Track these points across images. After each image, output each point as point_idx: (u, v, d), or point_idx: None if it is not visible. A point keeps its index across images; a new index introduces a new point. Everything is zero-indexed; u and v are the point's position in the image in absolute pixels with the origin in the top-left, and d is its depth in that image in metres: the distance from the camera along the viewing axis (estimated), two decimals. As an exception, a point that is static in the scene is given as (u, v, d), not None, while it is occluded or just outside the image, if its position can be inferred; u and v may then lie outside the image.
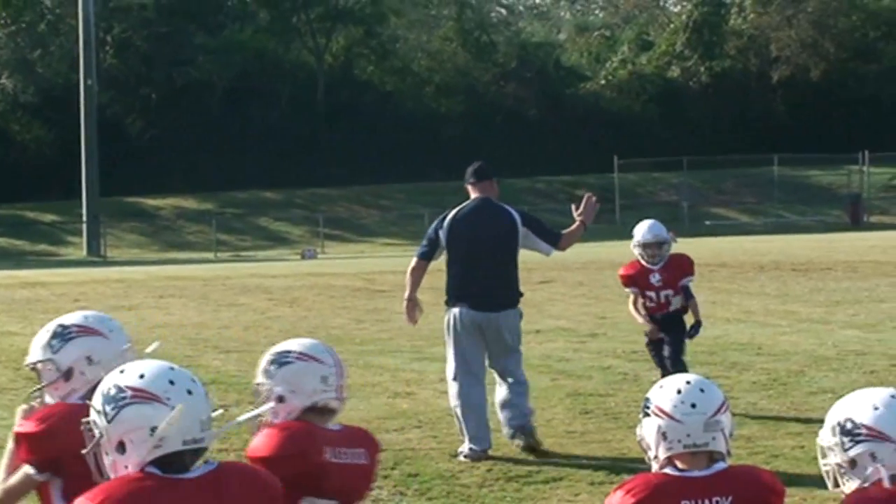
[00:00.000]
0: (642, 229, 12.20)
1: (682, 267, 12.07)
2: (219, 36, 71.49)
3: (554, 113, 72.42)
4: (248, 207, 63.81)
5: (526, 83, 74.29)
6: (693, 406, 4.25)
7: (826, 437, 4.19)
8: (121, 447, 3.89)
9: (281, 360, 5.08)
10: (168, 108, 67.99)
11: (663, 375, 11.03)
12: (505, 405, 10.32)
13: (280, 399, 5.05)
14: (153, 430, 3.85)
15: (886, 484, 4.07)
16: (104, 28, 67.66)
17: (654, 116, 73.23)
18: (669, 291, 11.90)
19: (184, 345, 17.74)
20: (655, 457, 4.28)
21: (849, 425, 4.12)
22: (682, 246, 45.94)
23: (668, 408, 4.25)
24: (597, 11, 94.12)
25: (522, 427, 10.22)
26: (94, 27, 56.38)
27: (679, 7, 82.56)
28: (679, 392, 4.27)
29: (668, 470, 4.25)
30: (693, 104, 73.55)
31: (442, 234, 10.46)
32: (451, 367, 10.45)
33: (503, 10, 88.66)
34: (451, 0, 78.34)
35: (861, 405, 4.14)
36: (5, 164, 64.71)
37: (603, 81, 76.34)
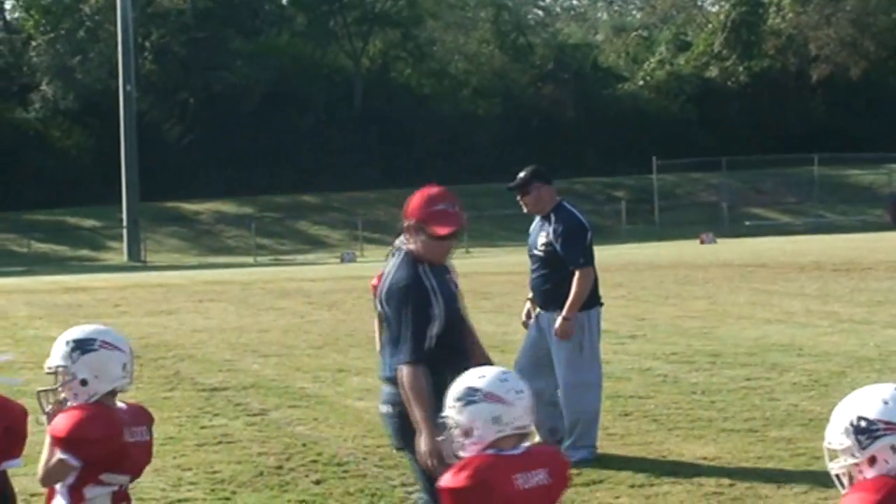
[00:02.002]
0: None
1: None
2: (256, 41, 71.75)
3: (591, 114, 72.30)
4: (287, 211, 63.98)
5: (563, 85, 74.19)
6: (519, 392, 4.72)
7: (838, 439, 4.19)
8: None
9: (85, 347, 5.24)
10: (206, 113, 68.26)
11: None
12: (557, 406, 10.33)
13: (83, 382, 5.23)
14: None
15: None
16: (143, 34, 68.01)
17: (693, 117, 73.00)
18: None
19: (223, 349, 17.78)
20: (480, 439, 4.67)
21: (863, 423, 4.13)
22: (722, 246, 45.89)
23: (500, 393, 4.69)
24: (634, 12, 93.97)
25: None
26: (132, 33, 56.66)
27: (717, 7, 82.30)
28: (504, 381, 4.74)
29: (488, 451, 4.67)
30: (731, 104, 73.26)
31: (590, 237, 10.31)
32: (594, 370, 10.24)
33: (540, 12, 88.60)
34: (488, 2, 78.33)
35: (870, 402, 4.16)
36: (46, 170, 65.15)
37: (641, 82, 76.16)
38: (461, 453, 4.72)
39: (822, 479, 9.13)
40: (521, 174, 10.24)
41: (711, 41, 76.92)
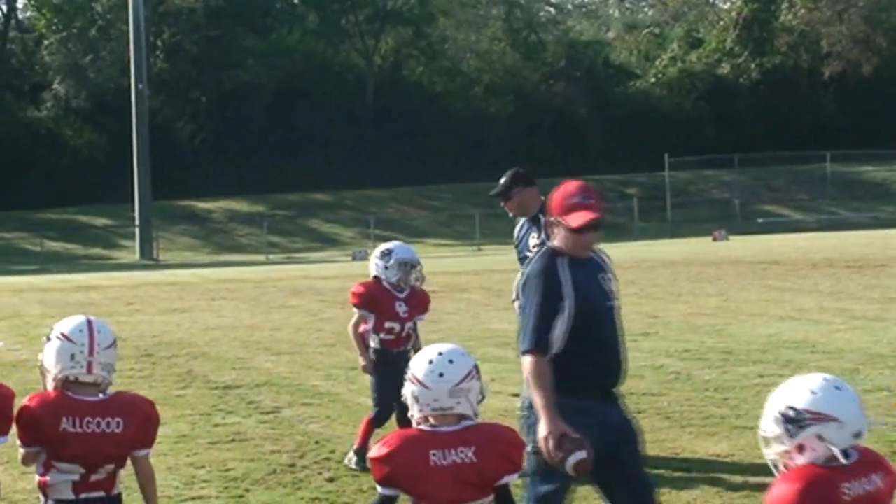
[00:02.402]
0: (400, 246, 10.68)
1: (423, 302, 10.62)
2: (267, 39, 71.78)
3: (603, 112, 72.25)
4: (298, 209, 64.01)
5: (575, 82, 74.16)
6: (441, 375, 4.97)
7: (769, 427, 4.37)
8: None
9: (48, 336, 5.61)
10: (218, 112, 68.32)
11: (379, 414, 10.09)
12: None
13: (47, 370, 5.60)
14: None
15: (841, 459, 4.29)
16: (154, 33, 68.07)
17: (705, 114, 72.95)
18: (412, 324, 10.50)
19: (236, 347, 17.80)
20: (411, 415, 5.05)
21: (791, 413, 4.32)
22: (734, 243, 45.75)
23: (420, 376, 5.00)
24: (646, 9, 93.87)
25: None
26: (144, 32, 56.70)
27: (729, 4, 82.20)
28: (431, 363, 5.02)
29: (422, 426, 5.01)
30: (743, 101, 73.18)
31: None
32: None
33: (552, 10, 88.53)
34: (500, 0, 78.31)
35: (798, 393, 4.35)
36: (58, 168, 65.27)
37: (652, 79, 76.09)
38: (414, 423, 5.09)
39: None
40: (502, 180, 9.98)
41: (723, 38, 76.82)
